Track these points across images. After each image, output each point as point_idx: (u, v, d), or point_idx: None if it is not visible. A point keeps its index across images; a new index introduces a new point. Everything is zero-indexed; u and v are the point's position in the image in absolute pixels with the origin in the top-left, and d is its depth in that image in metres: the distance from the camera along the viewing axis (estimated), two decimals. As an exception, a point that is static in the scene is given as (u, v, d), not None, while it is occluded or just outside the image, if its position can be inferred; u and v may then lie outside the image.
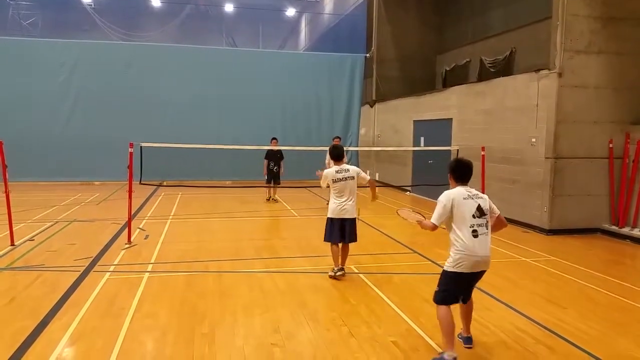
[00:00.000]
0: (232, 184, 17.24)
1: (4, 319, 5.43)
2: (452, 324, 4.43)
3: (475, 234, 4.39)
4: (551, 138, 10.29)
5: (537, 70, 10.66)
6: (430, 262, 8.03)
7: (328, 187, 7.07)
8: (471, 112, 13.19)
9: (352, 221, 7.05)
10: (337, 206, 6.98)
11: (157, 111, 18.83)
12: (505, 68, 13.67)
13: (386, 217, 11.94)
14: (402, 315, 5.68)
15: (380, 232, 10.32)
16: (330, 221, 7.04)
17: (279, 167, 14.08)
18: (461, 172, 4.73)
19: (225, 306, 5.93)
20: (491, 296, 6.41)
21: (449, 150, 13.34)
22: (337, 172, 7.00)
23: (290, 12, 25.55)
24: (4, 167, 8.62)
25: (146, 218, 11.56)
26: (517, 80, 11.44)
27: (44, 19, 21.94)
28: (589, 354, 4.78)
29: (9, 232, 8.71)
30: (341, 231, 7.01)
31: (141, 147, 9.63)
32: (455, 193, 4.55)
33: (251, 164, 16.43)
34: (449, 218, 4.50)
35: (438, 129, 14.76)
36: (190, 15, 21.70)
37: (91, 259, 7.90)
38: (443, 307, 4.50)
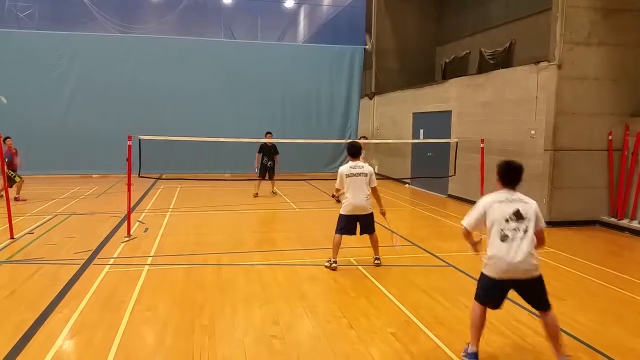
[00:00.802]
0: (232, 176, 17.23)
1: (4, 311, 5.45)
2: (478, 321, 4.33)
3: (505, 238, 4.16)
4: (550, 130, 10.28)
5: (537, 62, 10.64)
6: (429, 255, 8.04)
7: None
8: (470, 105, 13.17)
9: (367, 216, 7.14)
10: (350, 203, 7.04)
11: (155, 104, 18.78)
12: (504, 60, 13.65)
13: (386, 209, 11.96)
14: (401, 307, 5.69)
15: (379, 224, 10.30)
16: (344, 217, 7.12)
17: (274, 162, 13.82)
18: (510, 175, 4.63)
19: (224, 298, 5.94)
20: (490, 288, 6.41)
21: (448, 143, 13.34)
22: (351, 167, 7.08)
23: (289, 3, 25.39)
24: (2, 160, 8.60)
25: (145, 211, 11.56)
26: (517, 72, 11.42)
27: (41, 11, 21.81)
28: (587, 345, 4.80)
29: (8, 225, 8.70)
30: (355, 226, 7.13)
31: (140, 139, 9.61)
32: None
33: (250, 157, 16.36)
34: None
35: (437, 121, 14.74)
36: (188, 7, 21.54)
37: (91, 252, 7.90)
38: (476, 304, 4.41)
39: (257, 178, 13.85)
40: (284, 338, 4.86)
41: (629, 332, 5.16)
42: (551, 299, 6.06)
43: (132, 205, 9.70)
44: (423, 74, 18.65)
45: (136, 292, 6.09)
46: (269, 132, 13.87)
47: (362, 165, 7.12)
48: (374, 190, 7.17)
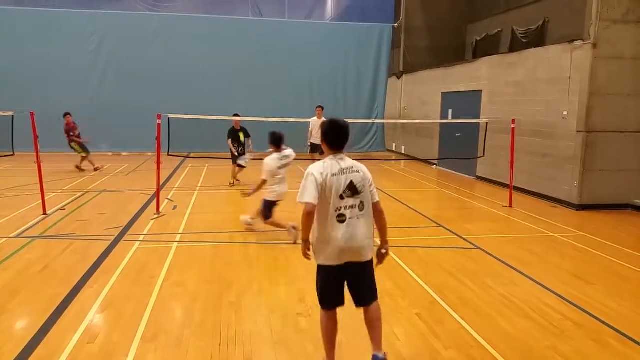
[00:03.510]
0: (260, 155, 17.29)
1: (38, 285, 5.63)
2: (328, 330, 3.82)
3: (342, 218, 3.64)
4: (583, 111, 10.01)
5: (571, 41, 10.32)
6: (456, 236, 7.98)
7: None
8: (501, 84, 12.90)
9: None
10: None
11: (184, 82, 18.97)
12: (537, 38, 13.27)
13: (412, 190, 11.88)
14: (427, 288, 5.68)
15: (407, 206, 10.28)
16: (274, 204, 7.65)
17: (245, 147, 12.10)
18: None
19: (251, 276, 6.02)
20: (517, 271, 6.36)
21: (478, 123, 13.11)
22: (279, 159, 7.59)
23: (317, -19, 25.10)
24: (35, 137, 8.80)
25: (174, 189, 11.73)
26: (550, 51, 11.11)
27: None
28: (616, 330, 4.72)
29: (41, 201, 8.95)
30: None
31: (169, 118, 9.71)
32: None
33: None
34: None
35: (467, 101, 14.50)
36: (216, -15, 21.54)
37: (121, 228, 8.08)
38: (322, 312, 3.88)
39: (233, 165, 12.28)
40: (310, 316, 4.91)
41: (660, 319, 5.06)
42: (580, 283, 5.98)
43: (161, 183, 9.85)
44: (453, 52, 18.28)
45: (165, 268, 6.21)
46: (236, 114, 12.23)
47: (288, 155, 7.63)
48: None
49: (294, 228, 7.31)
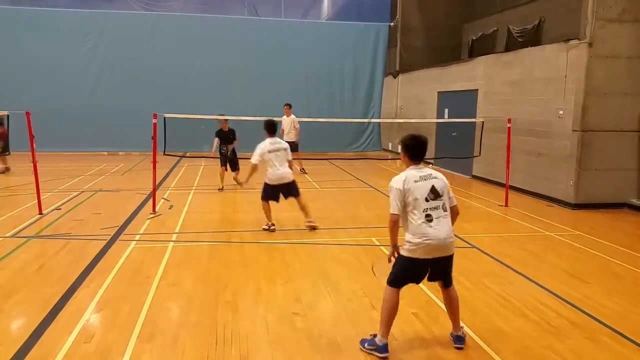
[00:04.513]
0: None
1: (34, 285, 5.61)
2: (394, 308, 4.21)
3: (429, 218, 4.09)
4: (579, 110, 10.04)
5: (567, 40, 10.34)
6: (452, 235, 7.97)
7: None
8: (498, 83, 12.92)
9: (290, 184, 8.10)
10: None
11: (180, 81, 18.95)
12: (533, 38, 13.30)
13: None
14: (423, 288, 5.67)
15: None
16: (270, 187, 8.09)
17: (234, 150, 11.78)
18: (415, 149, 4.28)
19: (248, 275, 6.02)
20: (514, 270, 6.37)
21: (474, 123, 13.13)
22: (271, 144, 7.97)
23: (313, -20, 25.12)
24: (31, 137, 8.77)
25: (170, 188, 11.71)
26: (546, 50, 11.13)
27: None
28: (612, 329, 4.73)
29: (37, 201, 8.92)
30: (279, 194, 8.13)
31: (165, 118, 9.69)
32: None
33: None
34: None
35: (463, 101, 14.51)
36: (212, -16, 21.54)
37: (117, 228, 8.06)
38: (389, 289, 4.26)
39: (221, 168, 11.84)
40: (306, 315, 4.91)
41: (655, 317, 5.07)
42: (576, 282, 6.00)
43: (157, 183, 9.83)
44: (449, 51, 18.28)
45: (161, 267, 6.20)
46: (221, 114, 11.90)
47: (279, 142, 8.09)
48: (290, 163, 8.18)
49: (270, 228, 7.99)
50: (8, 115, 9.23)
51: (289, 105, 14.32)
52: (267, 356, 4.16)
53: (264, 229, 8.01)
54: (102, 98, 18.58)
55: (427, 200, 4.10)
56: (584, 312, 5.12)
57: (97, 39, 18.62)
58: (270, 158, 7.91)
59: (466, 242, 7.62)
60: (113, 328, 4.56)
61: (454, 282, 4.48)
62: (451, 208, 4.29)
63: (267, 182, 8.06)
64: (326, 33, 20.59)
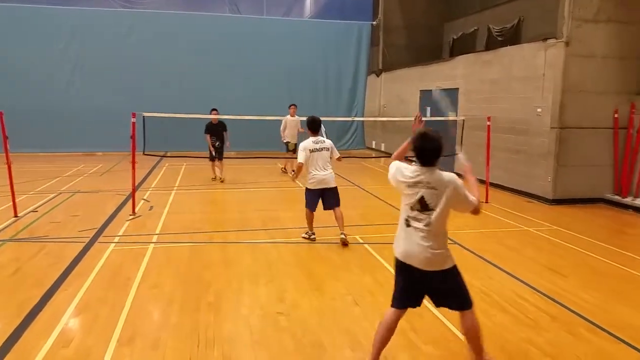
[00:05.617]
0: (237, 154, 17.19)
1: (9, 289, 5.50)
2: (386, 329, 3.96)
3: None
4: (557, 108, 10.19)
5: (545, 40, 10.48)
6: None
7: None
8: (477, 82, 13.04)
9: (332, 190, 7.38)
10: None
11: (159, 80, 18.60)
12: (512, 37, 13.46)
13: (392, 188, 11.93)
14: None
15: (386, 202, 10.33)
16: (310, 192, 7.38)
17: (223, 142, 12.40)
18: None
19: (230, 276, 5.98)
20: (493, 264, 6.44)
21: (455, 121, 13.23)
22: (314, 142, 7.26)
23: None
24: (5, 138, 8.56)
25: (150, 189, 11.58)
26: (524, 49, 11.26)
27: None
28: (589, 321, 4.81)
29: (12, 203, 8.73)
30: (318, 200, 7.37)
31: (144, 117, 9.57)
32: None
33: (255, 135, 16.42)
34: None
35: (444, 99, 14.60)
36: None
37: (95, 230, 7.94)
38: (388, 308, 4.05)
39: (210, 162, 12.69)
40: (289, 315, 4.90)
41: (632, 309, 5.17)
42: (554, 276, 6.08)
43: (136, 183, 9.72)
44: (430, 50, 18.43)
45: (141, 270, 6.13)
46: (214, 109, 12.28)
47: (323, 140, 7.36)
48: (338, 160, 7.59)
49: (310, 237, 7.48)
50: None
51: (295, 106, 14.10)
52: (251, 357, 4.14)
53: (303, 237, 7.53)
54: (78, 97, 18.16)
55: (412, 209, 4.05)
56: (562, 305, 5.19)
57: (72, 36, 18.13)
58: (312, 158, 7.19)
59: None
60: (92, 332, 4.50)
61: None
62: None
63: (307, 186, 7.37)
64: (309, 31, 20.49)
